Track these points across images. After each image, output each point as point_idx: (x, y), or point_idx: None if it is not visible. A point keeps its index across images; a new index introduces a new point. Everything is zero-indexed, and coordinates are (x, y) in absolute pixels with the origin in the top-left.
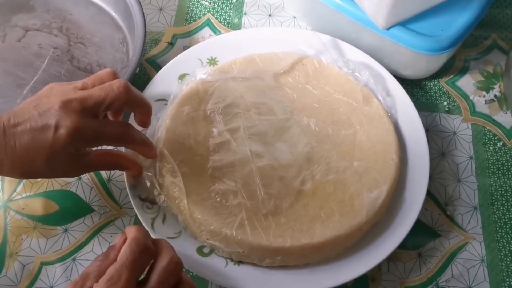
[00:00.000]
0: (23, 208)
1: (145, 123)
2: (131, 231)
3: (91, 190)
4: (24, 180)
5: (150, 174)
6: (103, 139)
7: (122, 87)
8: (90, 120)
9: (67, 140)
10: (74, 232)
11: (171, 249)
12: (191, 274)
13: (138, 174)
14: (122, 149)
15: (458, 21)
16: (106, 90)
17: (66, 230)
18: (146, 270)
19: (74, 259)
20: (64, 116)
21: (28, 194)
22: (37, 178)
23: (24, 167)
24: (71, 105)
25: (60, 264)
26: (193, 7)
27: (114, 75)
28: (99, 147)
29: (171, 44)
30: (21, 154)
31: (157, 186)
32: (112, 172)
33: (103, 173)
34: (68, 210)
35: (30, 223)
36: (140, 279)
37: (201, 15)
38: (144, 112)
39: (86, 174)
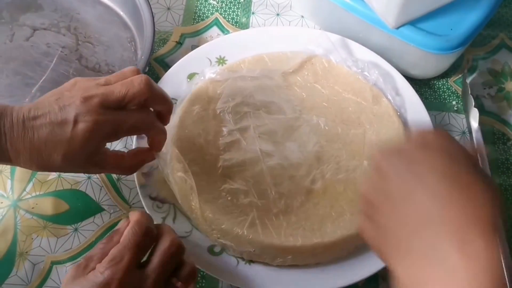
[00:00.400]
0: (33, 208)
1: (165, 120)
2: (134, 215)
3: (100, 189)
4: (33, 179)
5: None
6: (123, 131)
7: (143, 83)
8: (110, 113)
9: (85, 135)
10: (84, 232)
11: (172, 232)
12: (202, 273)
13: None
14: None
15: (467, 20)
16: (127, 85)
17: (76, 229)
18: (148, 252)
19: None
20: (84, 111)
21: (37, 193)
22: (53, 171)
23: (41, 160)
24: (92, 101)
25: (70, 263)
26: (201, 7)
27: (137, 72)
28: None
29: (179, 43)
30: (39, 147)
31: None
32: None
33: None
34: (78, 209)
35: (40, 222)
36: (142, 261)
37: (209, 15)
38: (166, 109)
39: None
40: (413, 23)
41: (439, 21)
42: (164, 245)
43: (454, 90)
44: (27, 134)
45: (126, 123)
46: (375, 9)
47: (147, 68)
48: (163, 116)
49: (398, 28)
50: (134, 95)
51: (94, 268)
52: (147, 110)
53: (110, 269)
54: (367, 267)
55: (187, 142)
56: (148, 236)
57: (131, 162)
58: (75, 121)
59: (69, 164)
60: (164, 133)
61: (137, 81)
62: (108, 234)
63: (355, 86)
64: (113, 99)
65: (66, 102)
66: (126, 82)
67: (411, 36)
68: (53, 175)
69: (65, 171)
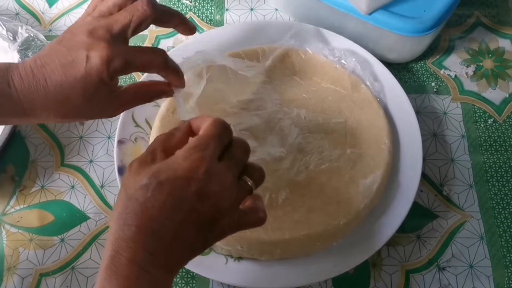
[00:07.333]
0: (17, 221)
1: (189, 29)
2: (208, 118)
3: (85, 197)
4: (17, 193)
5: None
6: (134, 66)
7: (145, 4)
8: (120, 46)
9: (101, 68)
10: (71, 241)
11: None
12: (192, 273)
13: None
14: None
15: (440, 0)
16: (130, 11)
17: (63, 239)
18: None
19: (73, 268)
20: (94, 44)
21: (21, 206)
22: (75, 118)
23: (59, 106)
24: (98, 33)
25: (59, 274)
26: (173, 7)
27: None
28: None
29: (154, 45)
30: (54, 92)
31: None
32: (105, 177)
33: (96, 179)
34: (64, 219)
35: (26, 235)
36: None
37: None
38: (180, 21)
39: (79, 182)
40: (386, 7)
41: (411, 4)
42: (238, 141)
43: (432, 72)
44: (39, 82)
45: (136, 60)
46: None
47: None
48: (184, 28)
49: (371, 14)
50: (140, 20)
51: (160, 159)
52: (158, 50)
53: (196, 155)
54: (357, 255)
55: None
56: (228, 130)
57: (149, 89)
58: (87, 56)
59: (89, 104)
60: (176, 73)
61: (139, 4)
62: (95, 242)
63: (333, 75)
64: (119, 28)
65: (72, 42)
66: (128, 8)
67: (384, 21)
68: (35, 187)
69: (85, 116)
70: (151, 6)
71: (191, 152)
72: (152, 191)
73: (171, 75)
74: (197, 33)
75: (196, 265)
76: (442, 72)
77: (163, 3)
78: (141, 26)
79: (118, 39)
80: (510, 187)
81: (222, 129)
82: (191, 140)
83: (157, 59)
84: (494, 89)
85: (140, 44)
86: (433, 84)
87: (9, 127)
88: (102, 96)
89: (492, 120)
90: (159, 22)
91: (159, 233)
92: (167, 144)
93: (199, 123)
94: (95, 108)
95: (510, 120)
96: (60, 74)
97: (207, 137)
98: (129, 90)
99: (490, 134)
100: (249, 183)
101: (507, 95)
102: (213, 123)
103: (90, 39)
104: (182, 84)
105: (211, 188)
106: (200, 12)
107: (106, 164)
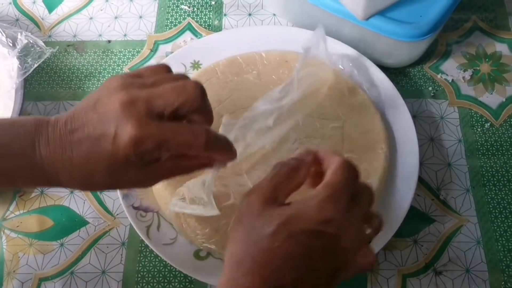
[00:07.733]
0: (17, 226)
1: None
2: (335, 157)
3: (84, 202)
4: (17, 198)
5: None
6: (168, 149)
7: (198, 91)
8: (155, 125)
9: (128, 149)
10: (70, 246)
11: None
12: (189, 278)
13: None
14: None
15: (437, 5)
16: (178, 91)
17: (62, 244)
18: None
19: (72, 273)
20: (125, 120)
21: (21, 211)
22: (102, 190)
23: (84, 180)
24: (134, 107)
25: (58, 279)
26: (172, 13)
27: (187, 76)
28: None
29: (152, 51)
30: (79, 165)
31: None
32: None
33: None
34: (63, 224)
35: (25, 240)
36: None
37: (181, 20)
38: (208, 120)
39: None
40: (382, 13)
41: (408, 9)
42: (364, 188)
43: (430, 76)
44: (65, 153)
45: (170, 143)
46: (343, 3)
47: None
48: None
49: (367, 19)
50: (184, 104)
51: (282, 199)
52: (198, 130)
53: (330, 208)
54: None
55: None
56: (356, 174)
57: (190, 163)
58: (115, 134)
59: (116, 180)
60: (221, 151)
61: (191, 87)
62: (94, 247)
63: (330, 80)
64: (159, 105)
65: (105, 109)
66: (178, 87)
67: (381, 26)
68: (35, 192)
69: (115, 188)
70: (200, 92)
71: (325, 204)
72: (280, 242)
73: (215, 154)
74: (195, 38)
75: (194, 270)
76: (439, 76)
77: (162, 7)
78: (183, 108)
79: (154, 116)
80: (507, 192)
81: (352, 174)
82: (324, 189)
83: (196, 141)
84: (491, 94)
85: (139, 49)
86: (430, 88)
87: None
88: (131, 174)
89: (489, 124)
90: (200, 112)
91: (280, 284)
92: (293, 181)
93: (323, 157)
94: (124, 183)
95: (507, 124)
96: (87, 146)
97: (339, 186)
98: (166, 165)
99: (487, 138)
100: (367, 231)
101: (504, 99)
102: (343, 166)
103: (124, 111)
104: (228, 159)
105: (339, 243)
106: (198, 17)
107: None
